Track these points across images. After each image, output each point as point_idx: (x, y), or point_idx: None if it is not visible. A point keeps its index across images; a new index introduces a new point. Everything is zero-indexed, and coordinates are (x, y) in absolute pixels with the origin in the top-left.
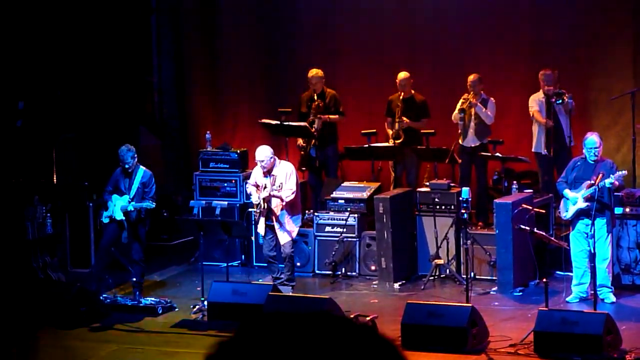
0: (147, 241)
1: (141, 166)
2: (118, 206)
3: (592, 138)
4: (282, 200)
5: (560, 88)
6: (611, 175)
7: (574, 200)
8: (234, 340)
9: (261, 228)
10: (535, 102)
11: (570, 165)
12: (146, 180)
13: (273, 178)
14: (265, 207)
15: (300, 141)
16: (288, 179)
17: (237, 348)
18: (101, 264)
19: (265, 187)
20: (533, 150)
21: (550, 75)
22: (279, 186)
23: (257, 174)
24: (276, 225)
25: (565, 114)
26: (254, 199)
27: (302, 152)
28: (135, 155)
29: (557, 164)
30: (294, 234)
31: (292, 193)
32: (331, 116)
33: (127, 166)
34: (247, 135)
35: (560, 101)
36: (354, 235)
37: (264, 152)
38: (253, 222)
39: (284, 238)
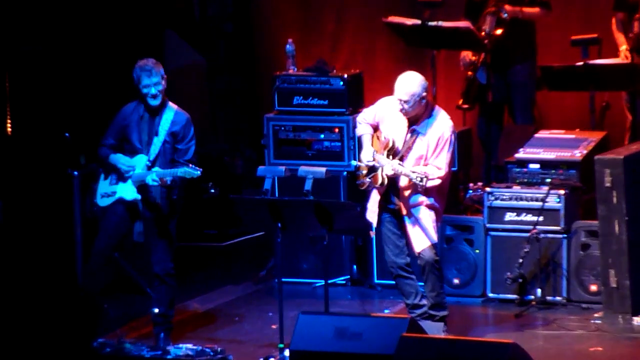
0: (179, 240)
1: (170, 104)
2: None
3: None
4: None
5: None
6: None
7: None
8: None
9: (372, 214)
10: None
11: None
12: (178, 129)
13: (413, 138)
14: (386, 183)
15: (467, 55)
16: (440, 149)
17: None
18: (94, 280)
19: (390, 151)
20: None
21: None
22: (422, 154)
23: (386, 113)
24: (406, 219)
25: None
26: (364, 153)
27: (469, 75)
28: (164, 82)
29: None
30: (435, 236)
31: (439, 177)
32: (526, 8)
33: (149, 99)
34: (360, 47)
35: None
36: (558, 228)
37: (410, 86)
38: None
39: (420, 241)
